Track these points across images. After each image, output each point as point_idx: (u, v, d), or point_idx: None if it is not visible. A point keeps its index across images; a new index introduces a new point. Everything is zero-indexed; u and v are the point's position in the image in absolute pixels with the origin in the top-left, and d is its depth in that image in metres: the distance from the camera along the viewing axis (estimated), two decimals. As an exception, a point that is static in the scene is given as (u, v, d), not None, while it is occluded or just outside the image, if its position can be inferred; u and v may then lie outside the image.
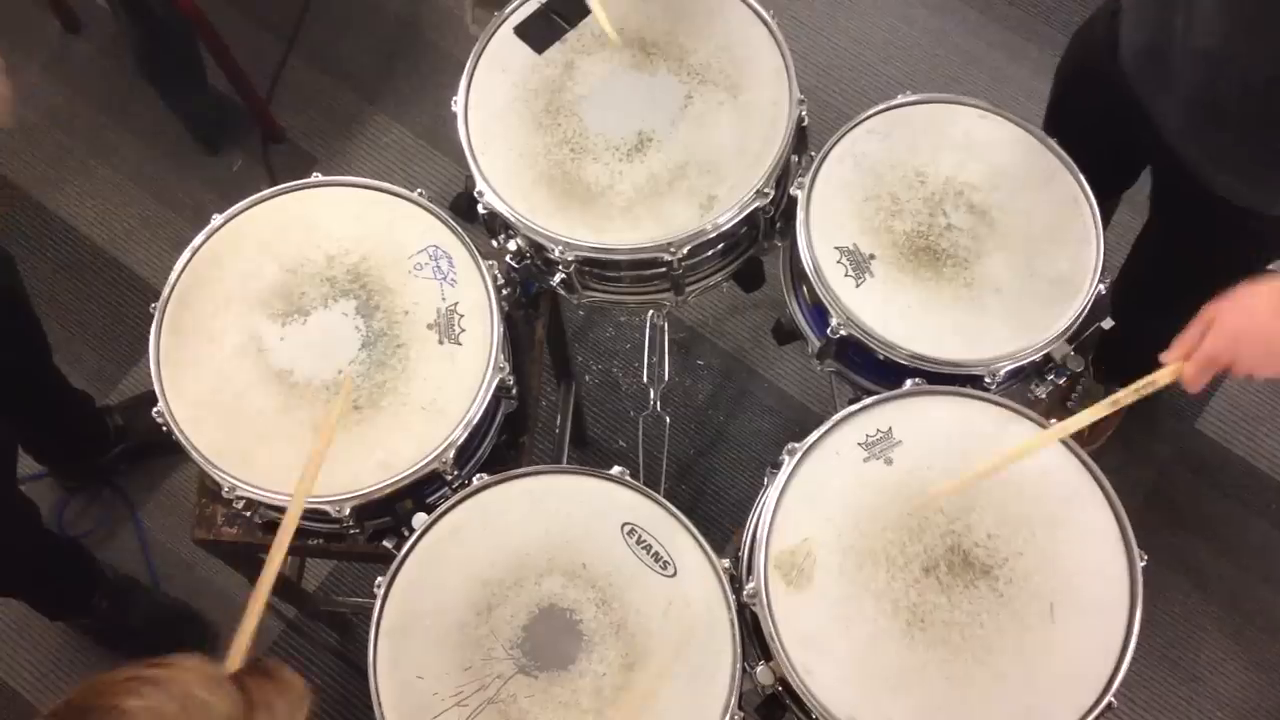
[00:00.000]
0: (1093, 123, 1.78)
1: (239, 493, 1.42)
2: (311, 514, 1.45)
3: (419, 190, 1.56)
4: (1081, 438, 2.37)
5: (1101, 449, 2.48)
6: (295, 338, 1.49)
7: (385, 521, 1.50)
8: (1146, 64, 1.62)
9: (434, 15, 3.02)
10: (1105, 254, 1.53)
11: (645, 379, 2.05)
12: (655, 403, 2.08)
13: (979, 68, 2.90)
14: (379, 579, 1.39)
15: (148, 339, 1.49)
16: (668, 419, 2.17)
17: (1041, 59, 2.91)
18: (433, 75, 2.91)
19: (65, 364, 2.31)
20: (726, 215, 1.52)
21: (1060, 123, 1.83)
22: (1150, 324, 1.47)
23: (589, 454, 2.54)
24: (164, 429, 1.45)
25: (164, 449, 1.48)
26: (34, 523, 2.03)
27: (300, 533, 1.56)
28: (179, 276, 1.51)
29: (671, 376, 2.50)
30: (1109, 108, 1.73)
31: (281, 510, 1.47)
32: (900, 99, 1.61)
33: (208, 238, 1.54)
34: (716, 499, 2.51)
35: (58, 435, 2.38)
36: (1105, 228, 1.59)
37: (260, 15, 2.97)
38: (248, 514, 1.50)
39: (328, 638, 2.38)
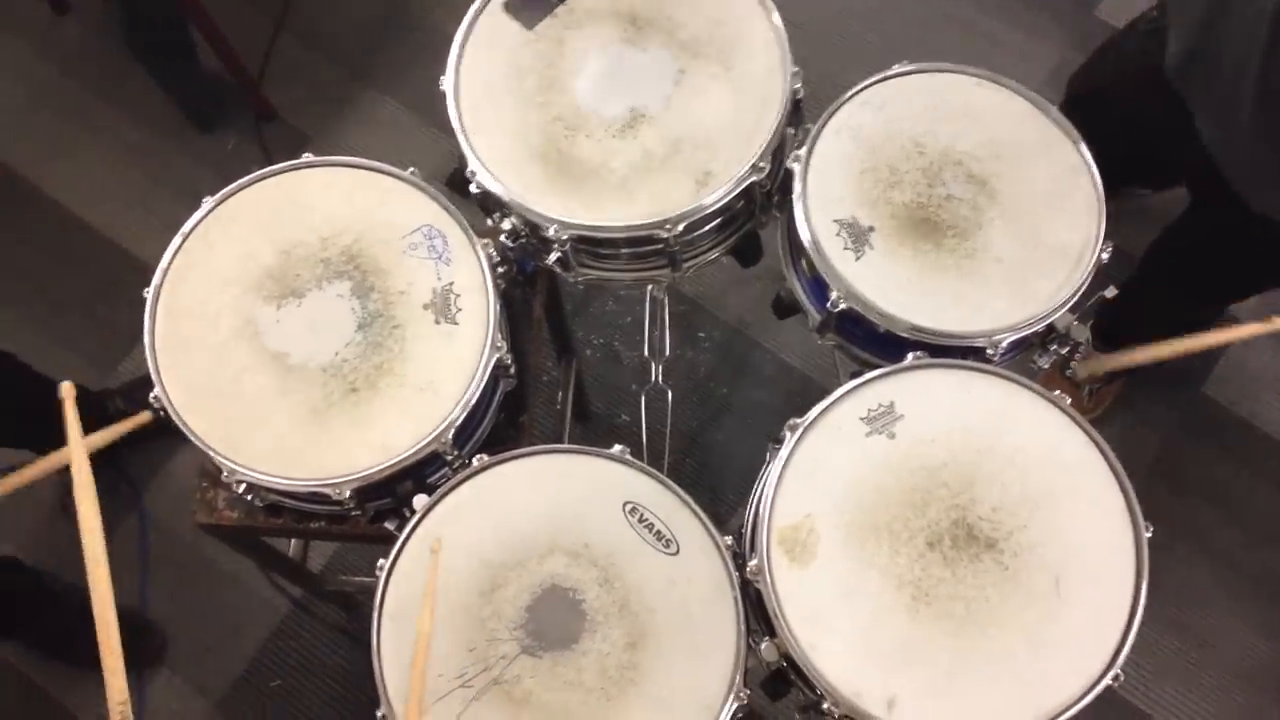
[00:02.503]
0: (1114, 137, 1.80)
1: (238, 477, 1.41)
2: (312, 496, 1.45)
3: (411, 169, 1.55)
4: (1083, 404, 2.40)
5: (1107, 414, 2.48)
6: (291, 320, 1.48)
7: (386, 503, 1.49)
8: (1189, 69, 1.66)
9: (425, -12, 3.00)
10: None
11: (646, 352, 2.04)
12: (657, 376, 2.07)
13: (974, 31, 2.88)
14: (381, 561, 1.38)
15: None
16: (670, 392, 2.16)
17: (1037, 22, 2.88)
18: (424, 48, 2.89)
19: (61, 346, 2.29)
20: (722, 191, 1.50)
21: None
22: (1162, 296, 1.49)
23: (592, 429, 2.54)
24: (161, 414, 1.44)
25: (167, 431, 1.47)
26: None
27: (302, 515, 1.57)
28: (171, 261, 1.50)
29: (673, 349, 2.49)
30: (1137, 123, 1.75)
31: (284, 494, 1.47)
32: (896, 69, 1.59)
33: (199, 221, 1.52)
34: (720, 471, 2.51)
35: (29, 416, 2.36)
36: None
37: (249, -8, 2.95)
38: (248, 497, 1.50)
39: (335, 616, 2.38)
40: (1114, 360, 1.69)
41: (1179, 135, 1.73)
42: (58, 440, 2.27)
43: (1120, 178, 1.72)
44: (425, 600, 1.28)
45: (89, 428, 2.41)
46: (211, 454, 1.41)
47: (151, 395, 1.44)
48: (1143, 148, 1.94)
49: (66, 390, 1.45)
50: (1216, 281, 1.96)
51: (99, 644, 1.22)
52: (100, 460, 2.43)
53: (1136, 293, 2.27)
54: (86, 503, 1.34)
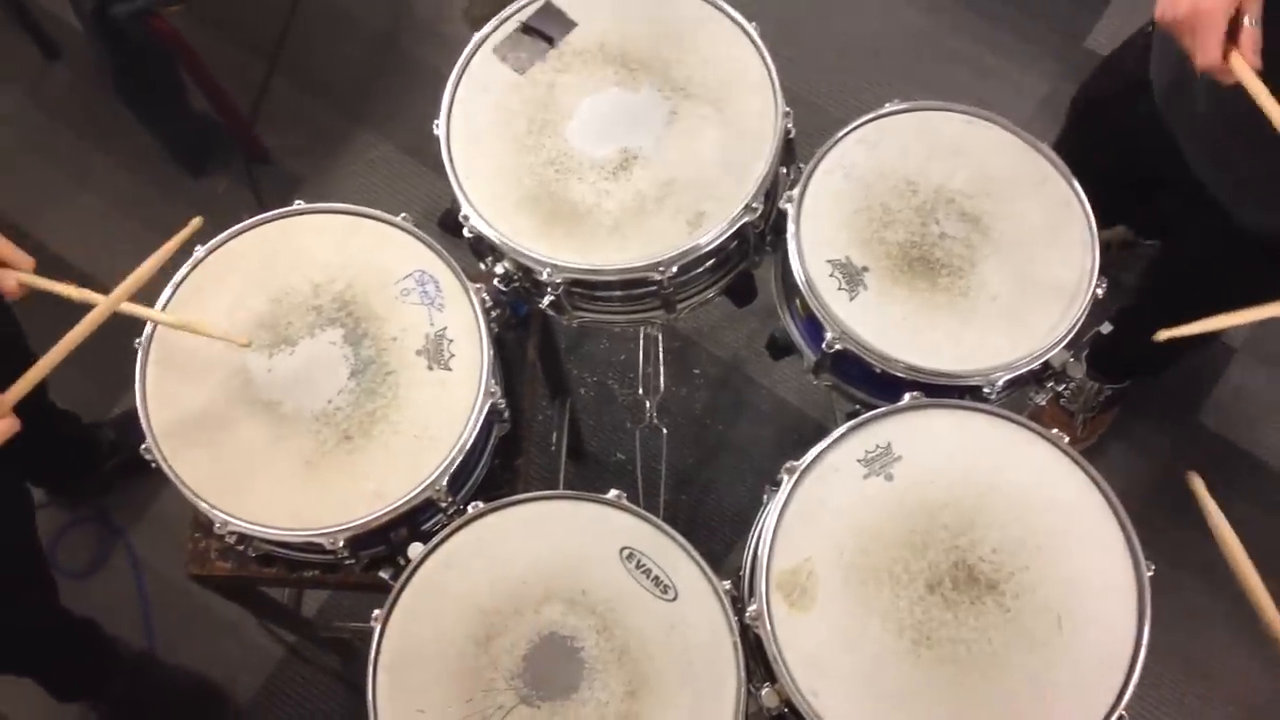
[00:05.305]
0: (1111, 151, 1.78)
1: (230, 528, 1.40)
2: (306, 545, 1.43)
3: (403, 214, 1.54)
4: (1076, 433, 2.39)
5: (1102, 445, 2.46)
6: (283, 369, 1.47)
7: (380, 551, 1.48)
8: (1173, 96, 1.65)
9: (415, 29, 3.01)
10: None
11: (641, 391, 2.03)
12: (651, 414, 2.06)
13: (966, 63, 2.88)
14: (376, 611, 1.37)
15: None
16: (665, 430, 2.15)
17: (1028, 53, 2.89)
18: (417, 89, 2.90)
19: (53, 395, 2.28)
20: (715, 232, 1.49)
21: (1076, 149, 1.82)
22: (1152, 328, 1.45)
23: (587, 468, 2.53)
24: (152, 465, 1.43)
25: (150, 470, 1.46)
26: (52, 598, 1.98)
27: (295, 564, 1.56)
28: (163, 311, 1.49)
29: (668, 386, 2.48)
30: (1131, 136, 1.74)
31: (277, 544, 1.46)
32: (888, 107, 1.59)
33: (189, 270, 1.52)
34: (717, 509, 2.49)
35: (50, 447, 2.35)
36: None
37: (240, 35, 2.95)
38: (240, 548, 1.48)
39: (330, 662, 2.36)
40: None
41: (1168, 153, 1.72)
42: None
43: (1111, 207, 1.71)
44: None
45: (78, 462, 2.43)
46: (204, 506, 1.40)
47: (142, 447, 1.42)
48: (1135, 165, 1.93)
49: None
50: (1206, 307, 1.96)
51: None
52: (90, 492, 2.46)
53: (1132, 323, 2.26)
54: None
